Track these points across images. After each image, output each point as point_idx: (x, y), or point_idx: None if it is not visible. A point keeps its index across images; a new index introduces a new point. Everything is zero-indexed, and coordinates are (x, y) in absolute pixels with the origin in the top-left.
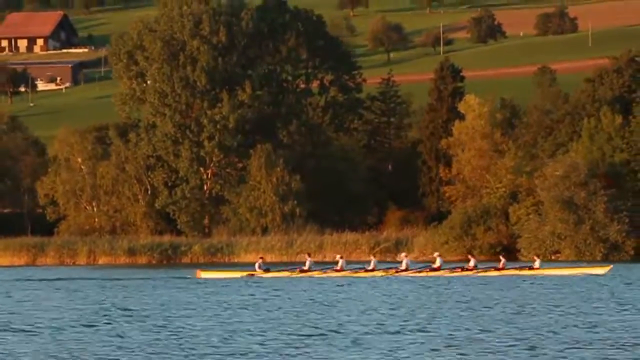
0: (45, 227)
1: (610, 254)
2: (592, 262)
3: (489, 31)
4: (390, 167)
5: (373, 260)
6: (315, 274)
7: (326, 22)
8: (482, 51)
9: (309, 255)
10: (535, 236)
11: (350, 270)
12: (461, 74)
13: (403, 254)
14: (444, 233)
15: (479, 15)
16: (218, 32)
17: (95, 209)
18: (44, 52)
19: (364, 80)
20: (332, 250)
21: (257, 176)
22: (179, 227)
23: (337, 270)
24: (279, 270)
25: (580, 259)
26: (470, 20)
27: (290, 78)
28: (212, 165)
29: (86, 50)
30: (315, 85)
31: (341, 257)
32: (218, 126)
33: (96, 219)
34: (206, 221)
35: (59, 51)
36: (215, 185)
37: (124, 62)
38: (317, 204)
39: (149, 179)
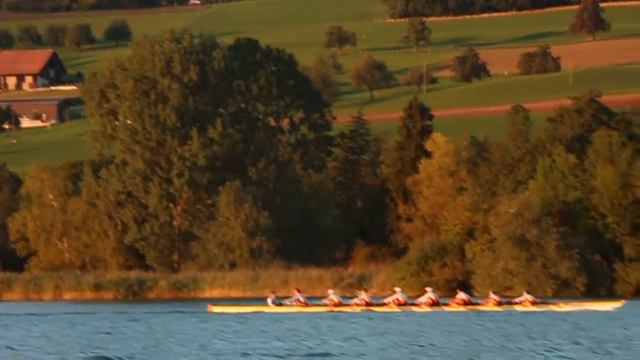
0: (16, 263)
1: (561, 290)
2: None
3: (473, 70)
4: (360, 203)
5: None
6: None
7: (297, 62)
8: (465, 90)
9: (299, 290)
10: (488, 272)
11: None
12: (430, 112)
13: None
14: (401, 269)
15: (464, 54)
16: (189, 70)
17: (65, 245)
18: (33, 90)
19: (334, 118)
20: (297, 286)
21: (225, 212)
22: (148, 262)
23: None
24: (289, 305)
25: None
26: (455, 59)
27: (260, 116)
28: (181, 201)
29: (74, 87)
30: (285, 123)
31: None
32: (188, 163)
33: (66, 255)
34: (175, 257)
35: (47, 88)
36: (184, 221)
37: (96, 100)
38: (286, 239)
39: (119, 214)
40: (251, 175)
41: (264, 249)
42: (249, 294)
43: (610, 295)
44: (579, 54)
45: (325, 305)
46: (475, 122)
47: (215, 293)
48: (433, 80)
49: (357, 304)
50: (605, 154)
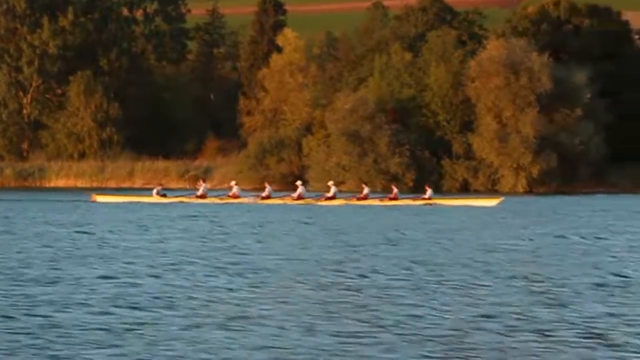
0: None
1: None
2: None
3: None
4: (213, 97)
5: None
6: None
7: None
8: None
9: (204, 181)
10: (323, 167)
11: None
12: (283, 7)
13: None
14: (239, 162)
15: None
16: None
17: None
18: None
19: (189, 10)
20: (143, 178)
21: (75, 102)
22: None
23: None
24: (176, 197)
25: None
26: None
27: (114, 6)
28: (31, 90)
29: None
30: (139, 14)
31: (235, 185)
32: (38, 51)
33: None
34: (25, 145)
35: None
36: (34, 110)
37: None
38: (137, 131)
39: None
40: (102, 66)
41: (114, 139)
42: (95, 184)
43: (437, 191)
44: None
45: (220, 197)
46: (339, 19)
47: (61, 183)
48: None
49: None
50: (439, 53)
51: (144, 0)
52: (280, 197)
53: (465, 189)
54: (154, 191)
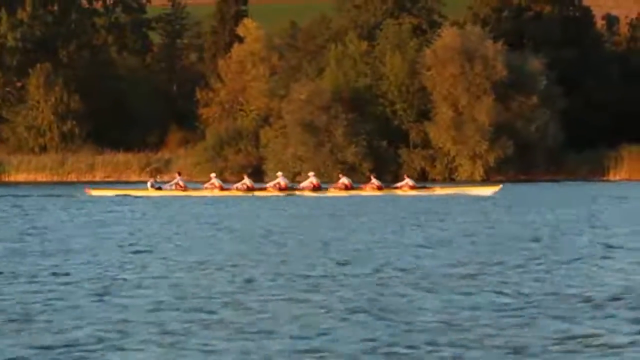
0: None
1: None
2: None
3: None
4: (176, 88)
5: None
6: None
7: None
8: None
9: (179, 174)
10: (279, 158)
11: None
12: None
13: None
14: (196, 154)
15: None
16: None
17: None
18: None
19: (149, 1)
20: (104, 171)
21: (35, 95)
22: None
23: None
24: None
25: (322, 181)
26: None
27: None
28: None
29: None
30: (99, 5)
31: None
32: None
33: None
34: None
35: None
36: None
37: None
38: (99, 123)
39: None
40: (62, 59)
41: (75, 132)
42: (55, 178)
43: (395, 180)
44: None
45: (206, 189)
46: (306, 9)
47: (21, 177)
48: None
49: (238, 188)
50: (394, 42)
51: None
52: (263, 188)
53: (423, 178)
54: (149, 184)
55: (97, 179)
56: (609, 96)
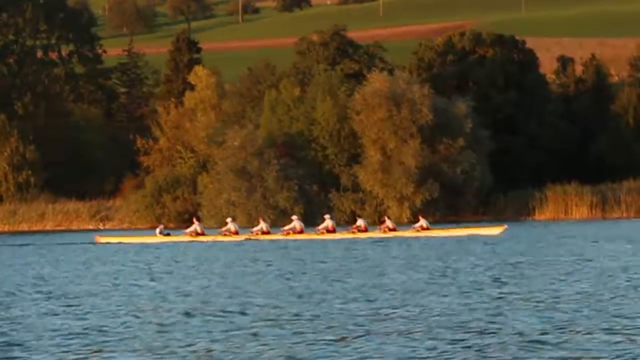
0: None
1: (279, 219)
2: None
3: (295, 0)
4: (132, 136)
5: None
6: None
7: None
8: (280, 20)
9: (198, 219)
10: (213, 204)
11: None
12: (197, 45)
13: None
14: (136, 201)
15: None
16: None
17: None
18: None
19: (104, 51)
20: (54, 220)
21: None
22: None
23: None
24: (177, 235)
25: (250, 225)
26: None
27: (29, 50)
28: None
29: None
30: (55, 56)
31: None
32: None
33: None
34: None
35: None
36: None
37: None
38: (55, 173)
39: None
40: (17, 110)
41: (31, 182)
42: (7, 228)
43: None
44: None
45: (225, 234)
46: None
47: None
48: (256, 11)
49: (254, 233)
50: (325, 87)
51: (60, 43)
52: (280, 233)
53: (353, 220)
54: (157, 231)
55: (48, 227)
56: (544, 137)
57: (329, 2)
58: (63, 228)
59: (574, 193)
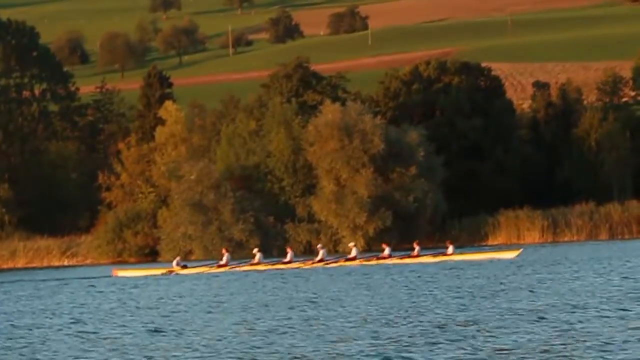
0: None
1: (235, 251)
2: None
3: (287, 31)
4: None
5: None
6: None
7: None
8: (274, 51)
9: (227, 250)
10: (171, 238)
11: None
12: (169, 80)
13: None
14: (98, 237)
15: (276, 15)
16: None
17: None
18: None
19: (78, 89)
20: (25, 257)
21: None
22: None
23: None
24: (195, 267)
25: (208, 258)
26: (269, 21)
27: (0, 89)
28: None
29: None
30: (28, 94)
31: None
32: None
33: None
34: None
35: None
36: None
37: None
38: (30, 210)
39: None
40: None
41: (5, 220)
42: None
43: (281, 255)
44: (388, 13)
45: (243, 265)
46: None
47: None
48: (249, 43)
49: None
50: (280, 119)
51: (33, 82)
52: (301, 262)
53: (310, 252)
54: (174, 263)
55: (20, 265)
56: (510, 163)
57: (322, 33)
58: (35, 265)
59: (526, 217)
